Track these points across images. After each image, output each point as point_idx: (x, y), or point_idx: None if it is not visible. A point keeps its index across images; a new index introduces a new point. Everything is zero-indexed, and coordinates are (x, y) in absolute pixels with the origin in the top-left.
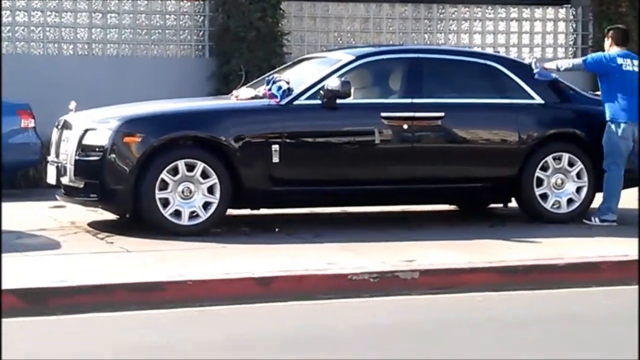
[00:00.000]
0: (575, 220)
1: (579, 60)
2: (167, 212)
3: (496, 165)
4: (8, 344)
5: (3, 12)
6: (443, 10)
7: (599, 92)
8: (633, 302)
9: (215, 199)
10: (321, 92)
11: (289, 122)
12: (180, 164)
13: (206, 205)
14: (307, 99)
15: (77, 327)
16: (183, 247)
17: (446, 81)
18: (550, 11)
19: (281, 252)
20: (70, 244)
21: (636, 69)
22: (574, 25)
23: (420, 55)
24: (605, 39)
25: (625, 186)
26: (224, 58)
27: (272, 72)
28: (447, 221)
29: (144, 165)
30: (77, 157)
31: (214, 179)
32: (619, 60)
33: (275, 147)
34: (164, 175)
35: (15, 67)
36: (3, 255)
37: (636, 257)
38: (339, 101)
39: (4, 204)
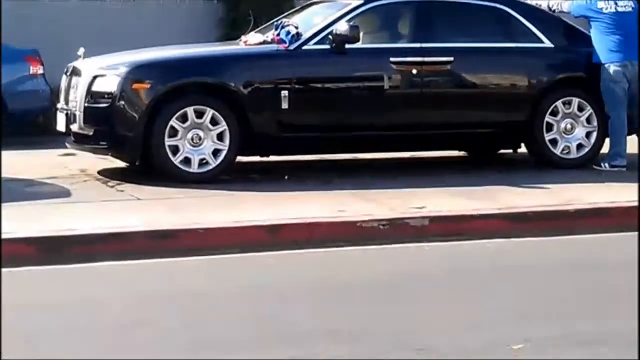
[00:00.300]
0: (585, 166)
1: (567, 7)
2: (177, 160)
3: (506, 110)
4: (23, 293)
5: None
6: None
7: None
8: None
9: (224, 146)
10: (330, 37)
11: (298, 68)
12: (190, 111)
13: (216, 153)
14: (316, 44)
15: (90, 276)
16: (193, 195)
17: (456, 26)
18: None
19: (291, 199)
20: (81, 193)
21: (623, 9)
22: None
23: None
24: None
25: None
26: (233, 3)
27: (281, 17)
28: (457, 168)
29: (153, 113)
30: (86, 105)
31: (223, 126)
32: (600, 4)
33: (285, 93)
34: (174, 122)
35: (24, 14)
36: (14, 204)
37: None
38: (348, 46)
39: (13, 153)
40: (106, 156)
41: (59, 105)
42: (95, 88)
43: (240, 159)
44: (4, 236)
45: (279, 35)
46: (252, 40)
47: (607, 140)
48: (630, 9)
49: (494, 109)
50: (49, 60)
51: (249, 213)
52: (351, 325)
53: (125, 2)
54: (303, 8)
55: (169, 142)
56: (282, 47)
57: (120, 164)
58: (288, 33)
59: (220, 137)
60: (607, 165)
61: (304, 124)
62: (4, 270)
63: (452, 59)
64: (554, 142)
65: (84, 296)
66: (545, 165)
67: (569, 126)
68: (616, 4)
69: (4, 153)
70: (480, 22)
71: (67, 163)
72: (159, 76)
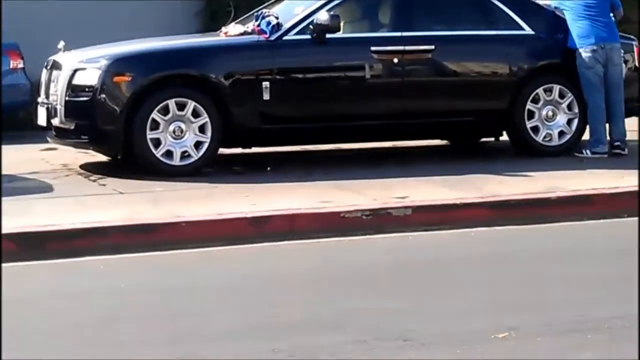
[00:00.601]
0: (567, 153)
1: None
2: (158, 153)
3: (487, 98)
4: (5, 289)
5: None
6: None
7: None
8: (625, 234)
9: (206, 138)
10: (310, 26)
11: (278, 58)
12: (171, 103)
13: (198, 145)
14: (296, 34)
15: (72, 271)
16: (175, 187)
17: (436, 14)
18: None
19: (274, 191)
20: (63, 187)
21: None
22: None
23: None
24: None
25: (626, 115)
26: None
27: (260, 7)
28: (439, 156)
29: (135, 105)
30: (67, 98)
31: (205, 118)
32: None
33: (266, 83)
34: (155, 114)
35: (3, 8)
36: None
37: (628, 189)
38: (328, 36)
39: None
40: (87, 150)
41: (40, 99)
42: (75, 81)
43: (222, 150)
44: None
45: (259, 25)
46: (232, 31)
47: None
48: None
49: (475, 97)
50: (28, 54)
51: (232, 205)
52: (335, 315)
53: None
54: None
55: (150, 134)
56: (262, 37)
57: (101, 157)
58: (268, 23)
59: (202, 129)
60: (588, 152)
61: (286, 114)
62: None
63: (432, 47)
64: (536, 129)
65: (66, 291)
66: (527, 153)
67: (550, 113)
68: None
69: None
70: (460, 9)
71: (49, 157)
72: (139, 68)
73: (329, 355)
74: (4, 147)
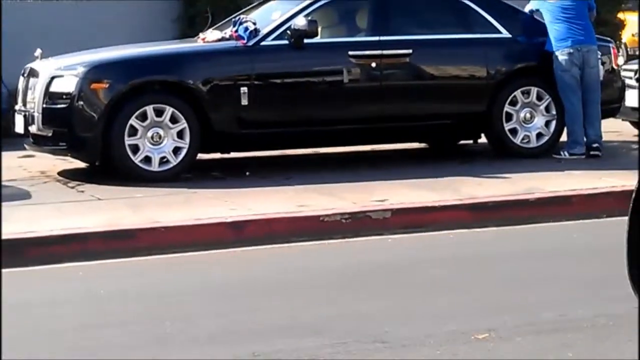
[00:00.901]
0: (545, 155)
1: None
2: (137, 159)
3: (465, 101)
4: None
5: None
6: None
7: None
8: (604, 234)
9: (185, 144)
10: (288, 32)
11: (256, 64)
12: (149, 110)
13: (176, 151)
14: (274, 39)
15: (52, 277)
16: (154, 193)
17: (413, 18)
18: None
19: (252, 195)
20: (40, 194)
21: None
22: None
23: None
24: None
25: (604, 116)
26: (190, 0)
27: (238, 13)
28: (418, 159)
29: (112, 112)
30: (44, 105)
31: (183, 124)
32: None
33: (244, 89)
34: (133, 121)
35: None
36: None
37: (606, 190)
38: (306, 41)
39: None
40: (65, 157)
41: (17, 107)
42: (53, 89)
43: (200, 156)
44: None
45: (237, 31)
46: (210, 37)
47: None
48: None
49: (453, 100)
50: (5, 61)
51: (211, 210)
52: (314, 319)
53: (82, 1)
54: (260, 4)
55: (128, 141)
56: (240, 43)
57: (79, 164)
58: (246, 29)
59: (180, 134)
60: (566, 153)
61: (264, 119)
62: None
63: (410, 51)
64: (514, 131)
65: (46, 298)
66: (505, 155)
67: (528, 115)
68: None
69: None
70: (437, 13)
71: (26, 164)
72: (117, 75)
73: (308, 357)
74: None
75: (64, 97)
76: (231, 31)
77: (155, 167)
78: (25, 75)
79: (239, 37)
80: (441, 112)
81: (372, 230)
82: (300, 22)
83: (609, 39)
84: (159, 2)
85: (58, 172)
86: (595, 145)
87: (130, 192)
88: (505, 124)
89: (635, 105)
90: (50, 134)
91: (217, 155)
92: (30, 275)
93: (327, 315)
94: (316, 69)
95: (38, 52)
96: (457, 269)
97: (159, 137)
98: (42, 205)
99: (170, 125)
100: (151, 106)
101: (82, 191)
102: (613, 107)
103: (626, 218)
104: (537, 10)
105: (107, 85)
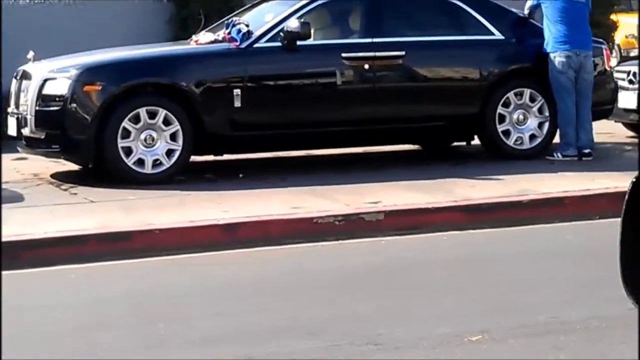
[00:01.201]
0: (538, 156)
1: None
2: (130, 161)
3: (458, 103)
4: None
5: None
6: None
7: None
8: (597, 236)
9: (178, 146)
10: (281, 34)
11: (249, 66)
12: (142, 112)
13: (169, 153)
14: (267, 41)
15: (45, 280)
16: (147, 195)
17: (406, 19)
18: None
19: (246, 198)
20: (34, 197)
21: None
22: None
23: None
24: None
25: (597, 118)
26: (182, 2)
27: (231, 15)
28: (411, 161)
29: (105, 114)
30: (37, 108)
31: (176, 126)
32: None
33: (237, 91)
34: (126, 123)
35: None
36: None
37: (599, 192)
38: (299, 43)
39: None
40: (58, 159)
41: (10, 110)
42: (45, 91)
43: (194, 158)
44: None
45: (229, 33)
46: (202, 39)
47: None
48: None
49: (446, 101)
50: None
51: (204, 212)
52: (309, 321)
53: (74, 3)
54: (253, 5)
55: (121, 143)
56: (233, 45)
57: (73, 166)
58: (239, 31)
59: (174, 137)
60: (559, 155)
61: (257, 121)
62: None
63: (403, 52)
64: (507, 133)
65: (39, 301)
66: (499, 157)
67: (520, 117)
68: None
69: None
70: (430, 15)
71: (19, 167)
72: (109, 77)
73: (303, 359)
74: None
75: (57, 99)
76: (224, 33)
77: (148, 169)
78: (18, 77)
79: (232, 39)
80: (434, 114)
81: (366, 232)
82: (293, 24)
83: (601, 40)
84: (151, 3)
85: (51, 175)
86: (588, 150)
87: (123, 194)
88: (498, 126)
89: (629, 106)
90: (43, 137)
91: (210, 158)
92: (24, 278)
93: (321, 318)
94: (309, 71)
95: (30, 54)
96: (450, 271)
97: (152, 140)
98: (36, 207)
99: (163, 127)
100: (144, 108)
101: (75, 193)
102: (606, 108)
103: (619, 220)
104: (537, 6)
105: (99, 88)
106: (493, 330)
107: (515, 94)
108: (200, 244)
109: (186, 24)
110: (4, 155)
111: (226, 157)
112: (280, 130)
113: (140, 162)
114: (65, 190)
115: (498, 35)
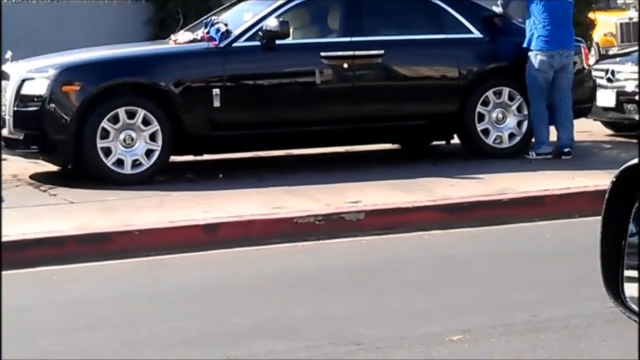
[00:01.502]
0: (518, 155)
1: None
2: (109, 162)
3: (437, 101)
4: None
5: None
6: None
7: None
8: (577, 234)
9: (157, 146)
10: (260, 33)
11: (228, 65)
12: (121, 112)
13: (149, 153)
14: (245, 40)
15: (25, 282)
16: (127, 196)
17: (385, 18)
18: None
19: (226, 198)
20: (13, 198)
21: None
22: None
23: None
24: None
25: (575, 116)
26: (161, 2)
27: (209, 14)
28: (391, 160)
29: (84, 114)
30: (15, 108)
31: (155, 126)
32: None
33: (216, 90)
34: (105, 123)
35: None
36: None
37: (579, 190)
38: (278, 42)
39: None
40: (37, 160)
41: None
42: (24, 91)
43: (173, 158)
44: None
45: (208, 32)
46: (181, 39)
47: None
48: None
49: (425, 100)
50: None
51: (184, 212)
52: (289, 321)
53: (53, 3)
54: (232, 5)
55: (100, 143)
56: (212, 44)
57: (52, 167)
58: (217, 30)
59: (153, 137)
60: (533, 153)
61: (236, 121)
62: None
63: (382, 51)
64: (486, 131)
65: (19, 302)
66: (478, 155)
67: (500, 115)
68: None
69: None
70: (409, 14)
71: None
72: (88, 77)
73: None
74: None
75: (35, 99)
76: (203, 32)
77: (127, 169)
78: None
79: (211, 39)
80: (414, 113)
81: (346, 232)
82: (272, 23)
83: (580, 38)
84: (129, 4)
85: (30, 176)
86: (566, 149)
87: (103, 195)
88: (477, 125)
89: (607, 105)
90: (21, 137)
91: (190, 158)
92: (4, 280)
93: (301, 318)
94: (288, 70)
95: (9, 54)
96: (431, 270)
97: (131, 140)
98: (14, 209)
99: (143, 127)
100: (123, 108)
101: (55, 194)
102: (584, 107)
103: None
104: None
105: (78, 88)
106: (474, 330)
107: (494, 93)
108: (180, 245)
109: (165, 24)
110: None
111: (206, 157)
112: (260, 130)
113: (120, 162)
114: (45, 191)
115: (477, 34)
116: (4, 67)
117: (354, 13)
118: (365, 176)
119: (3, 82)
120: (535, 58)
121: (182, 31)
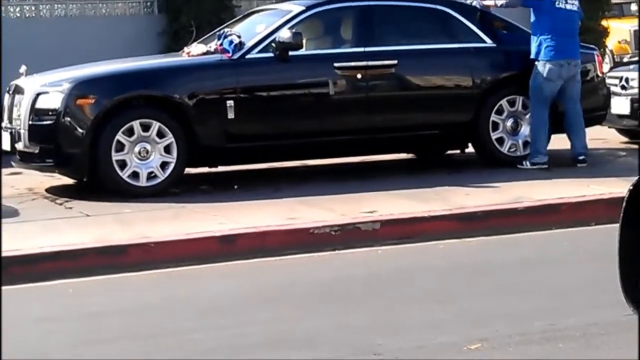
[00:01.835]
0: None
1: None
2: (124, 174)
3: (451, 111)
4: None
5: None
6: None
7: None
8: (593, 242)
9: (172, 159)
10: (273, 44)
11: (242, 77)
12: (136, 125)
13: (164, 165)
14: (259, 52)
15: (42, 295)
16: (143, 208)
17: (398, 28)
18: None
19: (242, 209)
20: (29, 211)
21: (571, 7)
22: None
23: (371, 3)
24: None
25: (590, 124)
26: (174, 14)
27: (222, 26)
28: (406, 170)
29: (99, 128)
30: (30, 122)
31: (170, 138)
32: None
33: (230, 102)
34: (120, 136)
35: None
36: None
37: (594, 198)
38: (291, 53)
39: None
40: (53, 173)
41: (3, 124)
42: (38, 105)
43: (188, 170)
44: None
45: (221, 44)
46: (194, 51)
47: (559, 136)
48: (576, 8)
49: (439, 110)
50: None
51: (200, 224)
52: (307, 332)
53: (66, 17)
54: (245, 16)
55: (115, 156)
56: (225, 56)
57: (67, 180)
58: (231, 42)
59: (168, 149)
60: (528, 163)
61: (251, 133)
62: None
63: (395, 61)
64: (500, 140)
65: (36, 316)
66: (493, 164)
67: (514, 124)
68: (566, 0)
69: None
70: (421, 23)
71: (14, 182)
72: (102, 90)
73: None
74: None
75: (50, 113)
76: (216, 45)
77: (143, 182)
78: (11, 92)
79: (224, 51)
80: (428, 122)
81: (362, 242)
82: (285, 34)
83: (593, 46)
84: (143, 16)
85: (46, 189)
86: (581, 157)
87: (118, 207)
88: (492, 133)
89: (622, 112)
90: (37, 151)
91: (205, 169)
92: (20, 293)
93: (318, 328)
94: (302, 81)
95: (23, 68)
96: (447, 279)
97: (146, 152)
98: (31, 222)
99: (157, 140)
100: (138, 121)
101: (71, 207)
102: (599, 114)
103: (615, 225)
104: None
105: (92, 101)
106: (491, 339)
107: (508, 102)
108: (197, 256)
109: (178, 36)
110: None
111: (220, 168)
112: (274, 141)
113: (135, 175)
114: (61, 204)
115: (489, 43)
116: (19, 82)
117: (367, 23)
118: (380, 186)
119: (17, 96)
120: (545, 67)
121: (195, 43)
